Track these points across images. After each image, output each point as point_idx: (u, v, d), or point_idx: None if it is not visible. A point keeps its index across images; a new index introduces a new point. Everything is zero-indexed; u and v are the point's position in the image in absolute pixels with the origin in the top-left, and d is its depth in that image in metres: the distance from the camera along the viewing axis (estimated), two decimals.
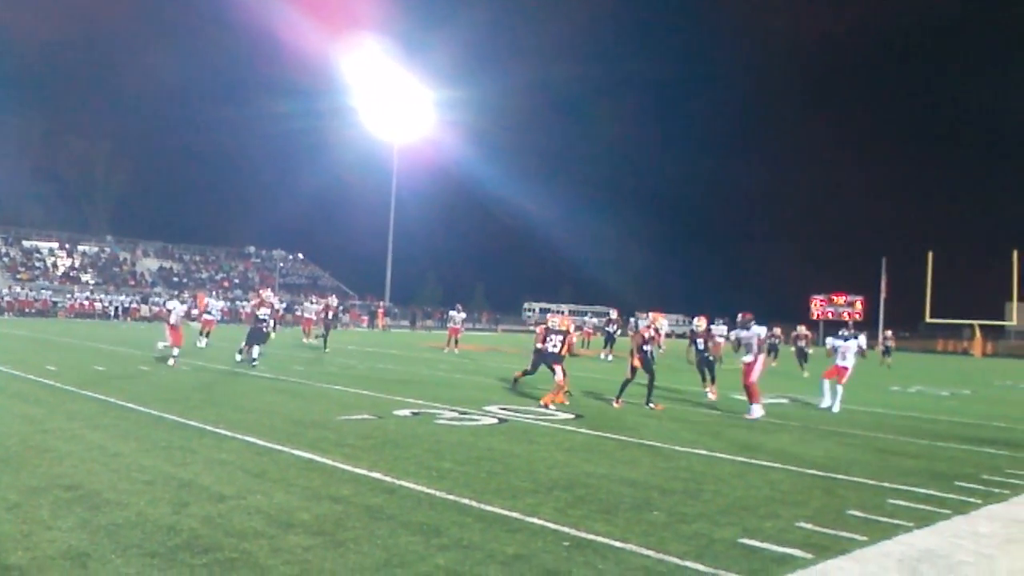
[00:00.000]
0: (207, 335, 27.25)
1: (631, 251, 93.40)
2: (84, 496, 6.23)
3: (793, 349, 28.88)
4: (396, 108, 63.06)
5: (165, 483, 6.78)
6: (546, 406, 13.31)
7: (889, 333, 37.06)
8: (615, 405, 13.74)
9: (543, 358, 14.40)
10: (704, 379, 16.29)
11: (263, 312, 18.68)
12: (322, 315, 28.37)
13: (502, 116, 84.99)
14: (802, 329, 28.82)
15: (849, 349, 15.54)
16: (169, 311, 18.50)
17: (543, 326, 15.16)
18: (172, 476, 7.06)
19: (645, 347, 14.07)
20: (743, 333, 13.97)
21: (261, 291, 20.26)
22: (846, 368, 15.33)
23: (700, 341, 16.42)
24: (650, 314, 15.80)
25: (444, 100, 66.18)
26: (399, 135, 64.97)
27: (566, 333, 14.53)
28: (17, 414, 10.34)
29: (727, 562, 5.26)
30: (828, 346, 16.20)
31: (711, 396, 15.86)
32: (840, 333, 16.15)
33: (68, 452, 7.92)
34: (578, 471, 8.12)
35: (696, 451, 9.71)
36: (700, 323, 16.81)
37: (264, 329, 18.72)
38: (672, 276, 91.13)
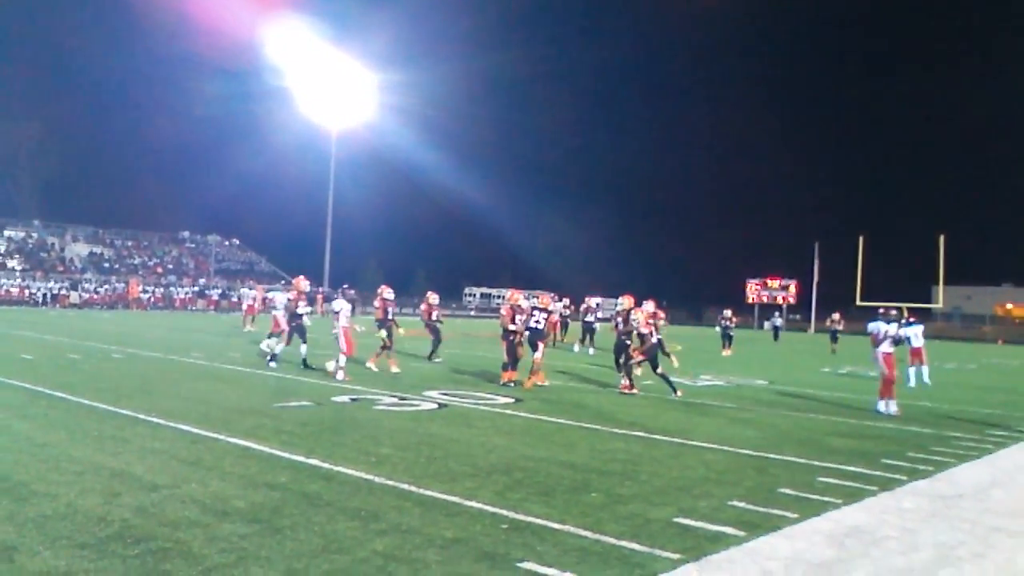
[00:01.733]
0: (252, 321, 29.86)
1: (569, 236, 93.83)
2: (11, 488, 6.07)
3: (718, 329, 28.99)
4: (335, 91, 62.21)
5: (96, 473, 6.64)
6: (524, 387, 14.01)
7: (837, 316, 33.24)
8: (677, 395, 13.75)
9: (532, 336, 14.60)
10: (618, 366, 15.37)
11: (303, 307, 16.24)
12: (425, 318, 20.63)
13: (443, 100, 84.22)
14: (727, 312, 28.88)
15: (918, 334, 17.93)
16: (336, 312, 15.11)
17: (508, 307, 15.01)
18: (103, 466, 6.91)
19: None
20: (882, 327, 13.07)
21: (297, 281, 16.92)
22: (920, 348, 17.86)
23: (620, 322, 15.28)
24: (623, 297, 15.46)
25: (384, 83, 65.43)
26: (337, 118, 64.13)
27: (549, 312, 15.19)
28: None
29: (662, 541, 5.36)
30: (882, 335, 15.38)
31: (623, 386, 14.44)
32: (905, 321, 18.25)
33: None
34: (517, 455, 8.18)
35: (633, 433, 9.85)
36: (623, 302, 15.48)
37: (303, 324, 16.17)
38: (610, 260, 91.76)
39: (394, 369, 15.86)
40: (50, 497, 5.84)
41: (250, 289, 35.86)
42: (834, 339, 32.38)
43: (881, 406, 12.89)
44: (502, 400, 12.41)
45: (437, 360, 19.06)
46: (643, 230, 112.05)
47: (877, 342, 12.97)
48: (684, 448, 9.00)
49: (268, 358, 16.23)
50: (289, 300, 16.40)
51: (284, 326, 16.47)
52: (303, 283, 16.74)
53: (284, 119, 68.70)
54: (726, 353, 26.87)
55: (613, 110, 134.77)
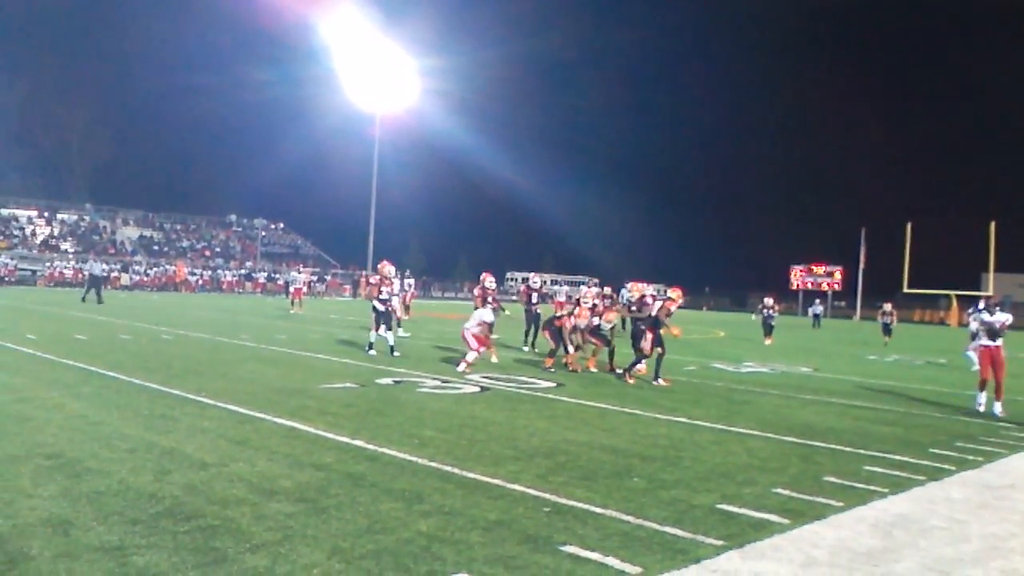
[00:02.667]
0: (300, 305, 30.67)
1: (612, 221, 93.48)
2: (65, 464, 6.24)
3: (759, 318, 27.47)
4: (379, 76, 62.50)
5: (147, 451, 6.79)
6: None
7: (889, 307, 30.06)
8: (628, 380, 13.16)
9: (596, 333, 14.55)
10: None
11: (387, 292, 15.79)
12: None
13: (485, 85, 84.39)
14: (769, 300, 27.20)
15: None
16: (485, 323, 14.29)
17: (584, 306, 14.65)
18: (154, 444, 7.06)
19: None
20: (987, 317, 11.96)
21: (382, 266, 16.28)
22: None
23: (635, 308, 14.85)
24: (629, 284, 15.33)
25: (427, 69, 65.59)
26: (381, 103, 64.45)
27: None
28: None
29: (705, 527, 5.34)
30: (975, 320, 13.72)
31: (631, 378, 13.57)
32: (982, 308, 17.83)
33: (49, 420, 7.91)
34: (559, 438, 8.19)
35: (676, 419, 9.81)
36: (634, 292, 15.67)
37: (387, 309, 15.81)
38: (653, 246, 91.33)
39: (492, 359, 15.35)
40: (103, 474, 5.99)
41: (299, 273, 36.29)
42: (887, 332, 29.39)
43: (980, 399, 11.80)
44: (544, 384, 12.43)
45: (524, 348, 18.25)
46: (687, 214, 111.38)
47: (973, 334, 11.97)
48: (727, 434, 8.94)
49: (367, 348, 15.84)
50: (371, 285, 15.88)
51: (402, 314, 16.02)
52: (388, 268, 16.22)
53: (329, 104, 69.23)
54: (768, 342, 25.79)
55: (656, 94, 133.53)
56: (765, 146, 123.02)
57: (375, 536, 4.88)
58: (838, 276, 71.65)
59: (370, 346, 15.82)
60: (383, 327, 15.68)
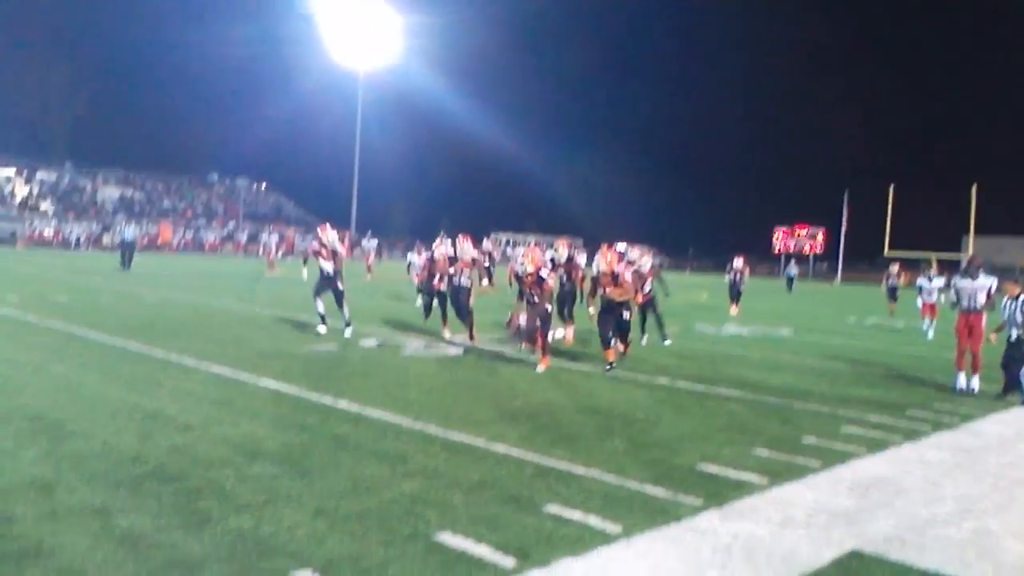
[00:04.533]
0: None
1: (596, 182, 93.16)
2: (48, 426, 6.23)
3: (727, 281, 24.03)
4: (362, 33, 61.72)
5: (130, 413, 6.79)
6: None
7: (896, 268, 25.57)
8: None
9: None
10: (561, 316, 13.34)
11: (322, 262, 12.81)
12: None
13: (470, 44, 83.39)
14: (739, 262, 23.55)
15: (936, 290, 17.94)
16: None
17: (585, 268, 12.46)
18: (138, 406, 7.06)
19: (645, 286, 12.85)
20: (964, 283, 10.66)
21: (321, 229, 13.46)
22: (934, 303, 17.96)
23: (563, 273, 13.52)
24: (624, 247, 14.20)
25: (412, 26, 64.84)
26: (365, 62, 63.70)
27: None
28: None
29: (685, 487, 5.42)
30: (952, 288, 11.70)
31: (567, 338, 13.20)
32: (926, 275, 18.71)
33: (30, 383, 7.88)
34: (541, 400, 8.25)
35: (657, 381, 9.88)
36: (561, 251, 13.83)
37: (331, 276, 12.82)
38: (637, 207, 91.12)
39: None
40: (86, 436, 6.00)
41: (276, 235, 36.09)
42: (893, 296, 24.78)
43: (960, 381, 10.49)
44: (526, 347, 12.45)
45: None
46: (670, 176, 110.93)
47: (953, 303, 11.01)
48: (707, 396, 9.03)
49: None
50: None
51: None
52: (328, 232, 13.12)
53: (312, 61, 68.35)
54: (733, 311, 22.74)
55: (640, 55, 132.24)
56: (749, 107, 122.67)
57: (359, 497, 4.92)
58: (820, 238, 71.94)
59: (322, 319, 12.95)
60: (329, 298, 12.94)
